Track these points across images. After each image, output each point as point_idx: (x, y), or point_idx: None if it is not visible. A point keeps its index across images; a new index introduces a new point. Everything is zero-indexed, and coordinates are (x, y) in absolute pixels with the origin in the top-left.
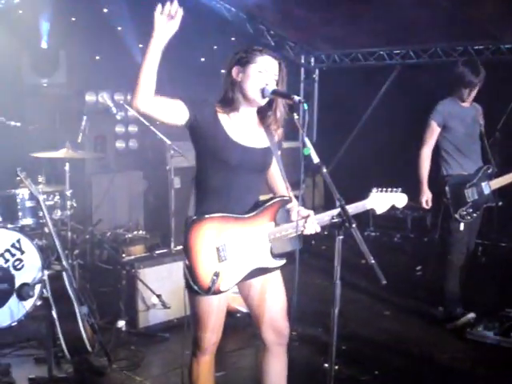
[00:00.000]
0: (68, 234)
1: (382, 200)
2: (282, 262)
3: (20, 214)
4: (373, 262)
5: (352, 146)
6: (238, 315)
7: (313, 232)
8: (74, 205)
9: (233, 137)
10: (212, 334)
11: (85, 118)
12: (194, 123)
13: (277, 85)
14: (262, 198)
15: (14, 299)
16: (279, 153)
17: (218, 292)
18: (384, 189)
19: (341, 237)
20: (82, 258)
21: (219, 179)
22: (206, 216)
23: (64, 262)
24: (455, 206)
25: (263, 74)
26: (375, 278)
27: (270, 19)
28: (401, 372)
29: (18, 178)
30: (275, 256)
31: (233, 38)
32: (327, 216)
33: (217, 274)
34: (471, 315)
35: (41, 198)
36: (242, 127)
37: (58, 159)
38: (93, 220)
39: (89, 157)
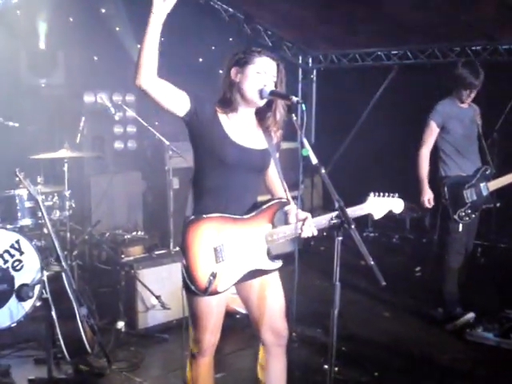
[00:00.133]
0: (67, 234)
1: (380, 205)
2: (279, 264)
3: (19, 214)
4: (372, 263)
5: (350, 147)
6: (238, 316)
7: (310, 235)
8: (73, 205)
9: (231, 136)
10: (211, 335)
11: (83, 118)
12: (194, 117)
13: (275, 86)
14: (260, 198)
15: (13, 300)
16: (277, 155)
17: (215, 293)
18: (381, 194)
19: (340, 238)
20: (80, 258)
21: (216, 178)
22: (204, 216)
23: (63, 263)
24: (454, 206)
25: (261, 75)
26: (374, 279)
27: (268, 19)
28: (400, 373)
29: (17, 179)
30: (272, 258)
31: (230, 39)
32: (324, 219)
33: (214, 275)
34: (471, 315)
35: (39, 198)
36: (241, 128)
37: (57, 160)
38: (92, 221)
39: (87, 157)
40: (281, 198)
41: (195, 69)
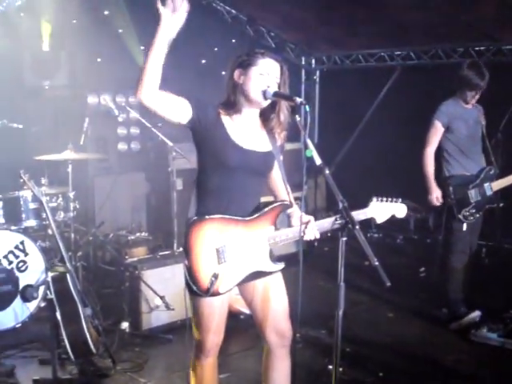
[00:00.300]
0: (71, 235)
1: (382, 210)
2: (281, 266)
3: (23, 215)
4: (376, 263)
5: (354, 147)
6: (241, 317)
7: (312, 238)
8: (77, 206)
9: (234, 138)
10: (214, 335)
11: (87, 119)
12: (196, 123)
13: (279, 87)
14: (264, 199)
15: (18, 301)
16: (281, 157)
17: (217, 294)
18: (384, 198)
19: (344, 238)
20: (85, 259)
21: (219, 180)
22: (207, 217)
23: (67, 264)
24: (459, 206)
25: (265, 76)
26: (379, 280)
27: (271, 21)
28: (405, 374)
29: (22, 180)
30: (274, 260)
31: (233, 40)
32: (327, 222)
33: (216, 276)
34: (476, 313)
35: (44, 199)
36: (245, 130)
37: (61, 161)
38: (96, 222)
39: (91, 158)
40: (284, 201)
41: (198, 70)
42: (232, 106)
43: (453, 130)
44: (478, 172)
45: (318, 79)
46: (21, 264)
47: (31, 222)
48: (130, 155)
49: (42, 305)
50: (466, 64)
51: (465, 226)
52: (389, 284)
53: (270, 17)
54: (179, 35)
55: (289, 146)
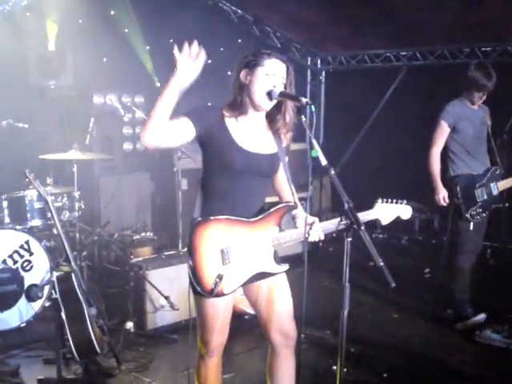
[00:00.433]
0: (76, 235)
1: (387, 211)
2: (285, 267)
3: (28, 215)
4: (382, 264)
5: (359, 148)
6: (246, 317)
7: (317, 239)
8: (82, 206)
9: (238, 142)
10: (219, 335)
11: (92, 119)
12: (202, 136)
13: (285, 88)
14: (268, 200)
15: (22, 300)
16: (287, 158)
17: (221, 294)
18: (389, 200)
19: (349, 239)
20: (90, 259)
21: (224, 182)
22: (212, 218)
23: (72, 264)
24: (466, 205)
25: (271, 76)
26: (383, 281)
27: (277, 21)
28: (409, 374)
29: (27, 180)
30: (278, 261)
31: (239, 40)
32: (332, 224)
33: (220, 277)
34: (482, 316)
35: (49, 199)
36: (250, 132)
37: (66, 161)
38: (101, 221)
39: (97, 158)
40: (288, 202)
41: (204, 70)
42: (238, 108)
43: (459, 130)
44: (485, 172)
45: (323, 79)
46: (26, 263)
47: (36, 222)
48: (135, 155)
49: (47, 304)
50: (474, 65)
51: (471, 226)
52: (394, 285)
53: (276, 17)
54: (185, 35)
55: (294, 147)
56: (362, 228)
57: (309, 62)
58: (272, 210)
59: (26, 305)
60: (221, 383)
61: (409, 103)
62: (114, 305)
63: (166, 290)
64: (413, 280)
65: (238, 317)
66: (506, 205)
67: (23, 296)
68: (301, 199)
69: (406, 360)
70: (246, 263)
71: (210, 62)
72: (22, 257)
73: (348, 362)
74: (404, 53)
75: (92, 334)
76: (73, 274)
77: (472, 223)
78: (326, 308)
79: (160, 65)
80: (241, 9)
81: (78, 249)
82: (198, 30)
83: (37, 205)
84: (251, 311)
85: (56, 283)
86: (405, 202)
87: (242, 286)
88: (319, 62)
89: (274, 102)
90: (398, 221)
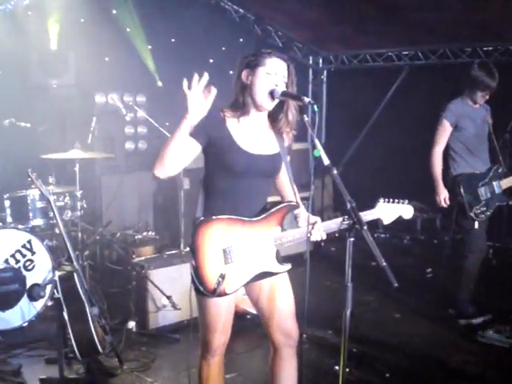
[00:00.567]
0: (78, 234)
1: (389, 211)
2: (287, 267)
3: (31, 214)
4: (384, 264)
5: (361, 147)
6: (248, 317)
7: (319, 239)
8: (84, 205)
9: (239, 143)
10: (221, 334)
11: (94, 119)
12: (208, 146)
13: (286, 87)
14: (271, 199)
15: (25, 300)
16: (289, 158)
17: (224, 294)
18: (391, 199)
19: (352, 239)
20: (92, 258)
21: (225, 183)
22: (214, 217)
23: (75, 263)
24: (470, 204)
25: (272, 76)
26: (386, 281)
27: (278, 20)
28: (411, 374)
29: (29, 179)
30: (280, 261)
31: (241, 39)
32: (334, 223)
33: (222, 276)
34: (487, 316)
35: (51, 198)
36: (251, 133)
37: (68, 160)
38: (103, 221)
39: (99, 157)
40: (290, 202)
41: (205, 69)
42: (240, 108)
43: (460, 128)
44: (487, 170)
45: (325, 79)
46: (28, 263)
47: (38, 221)
48: (137, 154)
49: (49, 304)
50: (477, 64)
51: (476, 224)
52: (396, 285)
53: (278, 16)
54: (187, 34)
55: (296, 146)
56: (365, 228)
57: (310, 62)
58: (274, 209)
59: (28, 304)
60: (223, 383)
61: (411, 102)
62: (116, 304)
63: (168, 289)
64: (415, 280)
65: (240, 316)
66: (511, 203)
67: (25, 295)
68: (303, 199)
69: (408, 360)
70: (248, 263)
71: (211, 61)
72: (24, 256)
73: (350, 361)
74: (406, 52)
75: (94, 333)
76: (75, 274)
77: (477, 222)
78: (327, 308)
79: (162, 64)
80: (242, 8)
81: (80, 248)
82: (200, 29)
83: (39, 204)
84: (253, 311)
85: (58, 282)
86: (407, 201)
87: (244, 285)
88: (321, 61)
89: (277, 101)
90: (399, 220)
